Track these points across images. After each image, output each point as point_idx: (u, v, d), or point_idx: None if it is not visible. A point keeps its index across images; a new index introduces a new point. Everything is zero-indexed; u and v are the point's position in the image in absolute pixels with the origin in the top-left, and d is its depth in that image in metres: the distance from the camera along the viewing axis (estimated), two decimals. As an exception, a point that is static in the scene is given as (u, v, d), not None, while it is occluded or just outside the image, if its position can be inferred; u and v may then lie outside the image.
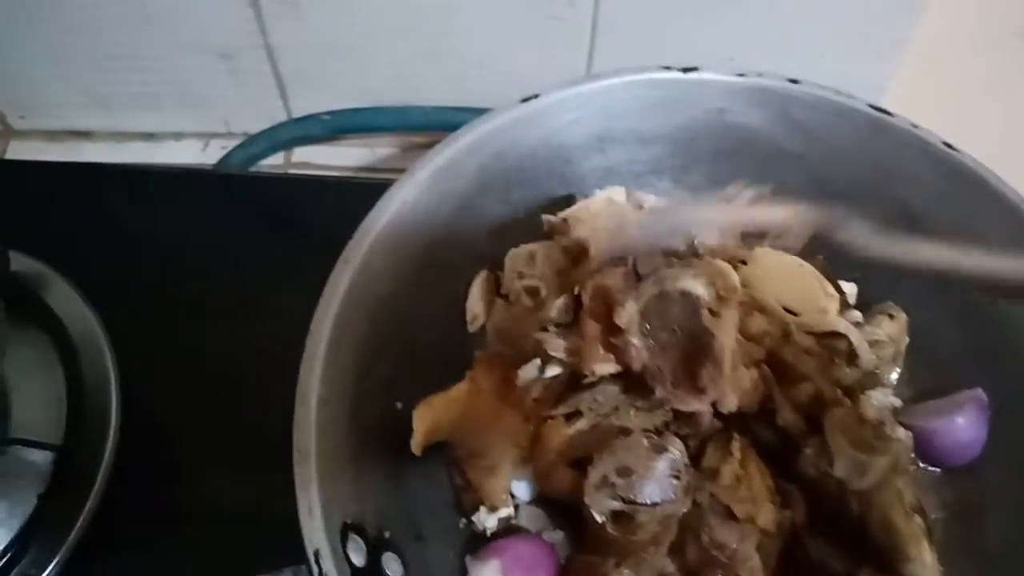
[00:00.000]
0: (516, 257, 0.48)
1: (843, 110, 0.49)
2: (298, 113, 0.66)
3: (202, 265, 0.57)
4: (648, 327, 0.38)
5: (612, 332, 0.38)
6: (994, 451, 0.44)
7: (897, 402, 0.46)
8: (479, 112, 0.48)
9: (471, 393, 0.42)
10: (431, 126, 0.64)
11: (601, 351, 0.39)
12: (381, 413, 0.42)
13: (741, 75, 0.49)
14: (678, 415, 0.39)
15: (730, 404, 0.38)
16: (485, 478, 0.41)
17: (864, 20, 0.59)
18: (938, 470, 0.46)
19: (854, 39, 0.60)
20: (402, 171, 0.45)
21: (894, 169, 0.48)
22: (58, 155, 0.68)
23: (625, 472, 0.37)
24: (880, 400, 0.42)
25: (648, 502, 0.36)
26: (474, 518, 0.42)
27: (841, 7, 0.58)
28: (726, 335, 0.37)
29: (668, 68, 0.49)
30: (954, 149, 0.47)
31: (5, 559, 0.43)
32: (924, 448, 0.45)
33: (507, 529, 0.43)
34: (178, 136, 0.69)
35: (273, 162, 0.67)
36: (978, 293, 0.46)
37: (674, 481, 0.37)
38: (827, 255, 0.47)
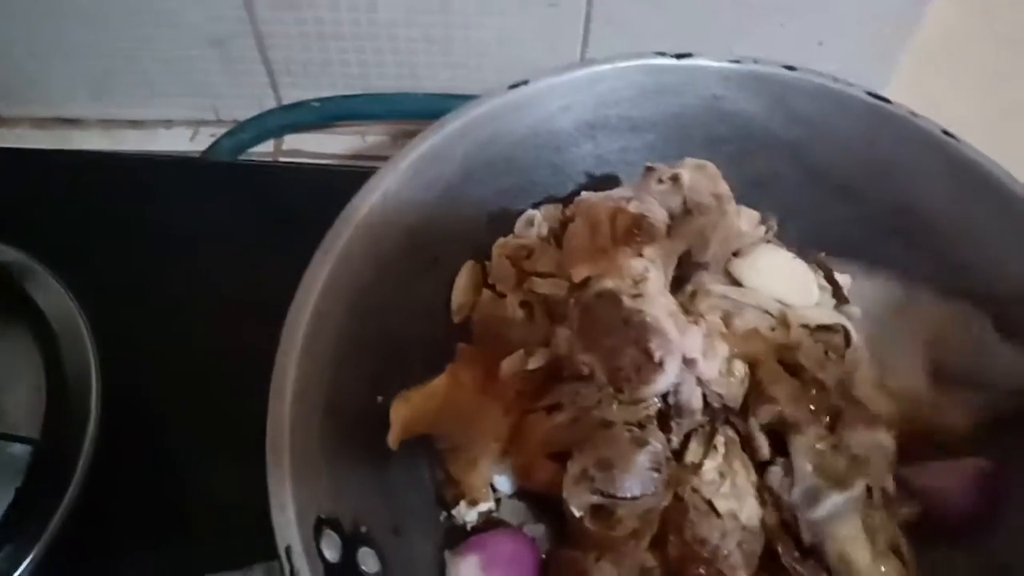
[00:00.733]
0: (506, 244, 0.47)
1: (841, 98, 0.48)
2: (288, 100, 0.66)
3: (189, 255, 0.56)
4: (590, 340, 0.37)
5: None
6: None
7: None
8: (472, 100, 0.47)
9: (451, 386, 0.41)
10: (423, 114, 0.64)
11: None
12: (361, 407, 0.41)
13: (736, 61, 0.48)
14: (664, 412, 0.38)
15: (694, 350, 0.37)
16: (465, 472, 0.40)
17: (865, 15, 0.58)
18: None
19: (854, 34, 0.59)
20: (393, 159, 0.44)
21: (892, 158, 0.47)
22: (46, 143, 0.67)
23: (605, 466, 0.36)
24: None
25: (628, 496, 0.35)
26: (454, 512, 0.41)
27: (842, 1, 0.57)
28: (650, 305, 0.36)
29: (662, 54, 0.48)
30: (954, 138, 0.46)
31: (-19, 553, 0.42)
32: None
33: (488, 523, 0.42)
34: (167, 124, 0.68)
35: (263, 150, 0.67)
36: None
37: (655, 475, 0.36)
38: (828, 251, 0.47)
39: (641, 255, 0.38)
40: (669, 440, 0.38)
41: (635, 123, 0.50)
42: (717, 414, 0.40)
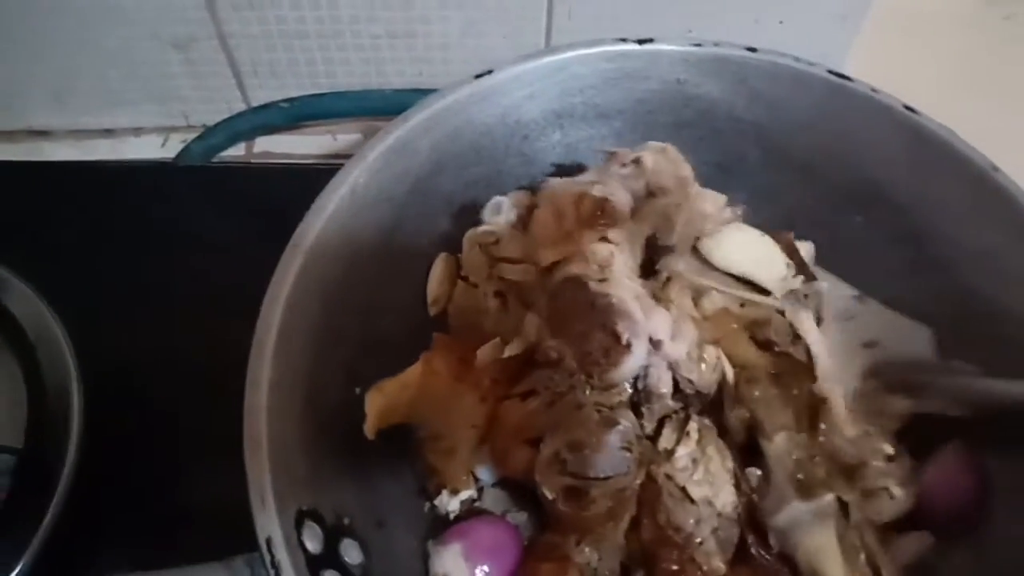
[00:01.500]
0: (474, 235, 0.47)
1: (802, 77, 0.48)
2: (257, 103, 0.65)
3: (165, 260, 0.56)
4: (560, 326, 0.38)
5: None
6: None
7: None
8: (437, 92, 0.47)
9: (426, 375, 0.41)
10: (393, 109, 0.63)
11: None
12: (339, 399, 0.41)
13: (697, 45, 0.49)
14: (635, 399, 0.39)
15: (661, 331, 0.38)
16: (445, 461, 0.40)
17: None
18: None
19: (813, 11, 0.59)
20: (365, 157, 0.44)
21: (855, 135, 0.48)
22: (16, 155, 0.67)
23: (576, 447, 0.36)
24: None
25: (600, 476, 0.35)
26: (436, 502, 0.41)
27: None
28: (616, 287, 0.37)
29: (623, 40, 0.49)
30: (915, 112, 0.46)
31: (-34, 567, 0.42)
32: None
33: (471, 512, 0.42)
34: (137, 132, 0.68)
35: (235, 153, 0.67)
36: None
37: (626, 454, 0.36)
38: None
39: (606, 239, 0.39)
40: (642, 425, 0.39)
41: (601, 110, 0.51)
42: (691, 400, 0.40)
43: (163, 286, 0.55)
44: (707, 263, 0.44)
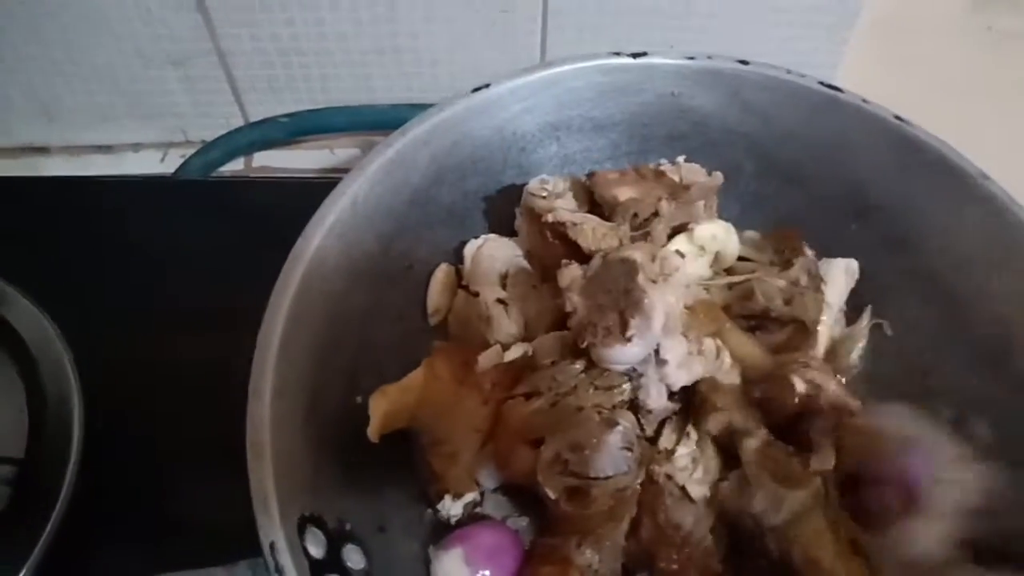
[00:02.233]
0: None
1: (793, 89, 0.49)
2: (255, 118, 0.66)
3: (164, 274, 0.56)
4: (591, 290, 0.39)
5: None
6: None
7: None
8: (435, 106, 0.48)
9: (428, 379, 0.42)
10: (390, 123, 0.63)
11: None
12: (341, 407, 0.41)
13: (691, 58, 0.49)
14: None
15: (671, 355, 0.39)
16: (448, 465, 0.41)
17: (812, 4, 0.59)
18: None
19: (803, 17, 0.60)
20: (363, 171, 0.45)
21: (847, 146, 0.49)
22: (17, 171, 0.67)
23: (577, 447, 0.36)
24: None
25: (601, 475, 0.36)
26: (439, 507, 0.41)
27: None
28: (659, 295, 0.38)
29: (618, 54, 0.49)
30: (906, 122, 0.47)
31: (-33, 577, 0.42)
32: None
33: (472, 518, 0.42)
34: (136, 147, 0.69)
35: (234, 168, 0.67)
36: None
37: (627, 454, 0.36)
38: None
39: (680, 252, 0.41)
40: (642, 427, 0.39)
41: (597, 122, 0.52)
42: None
43: (163, 299, 0.55)
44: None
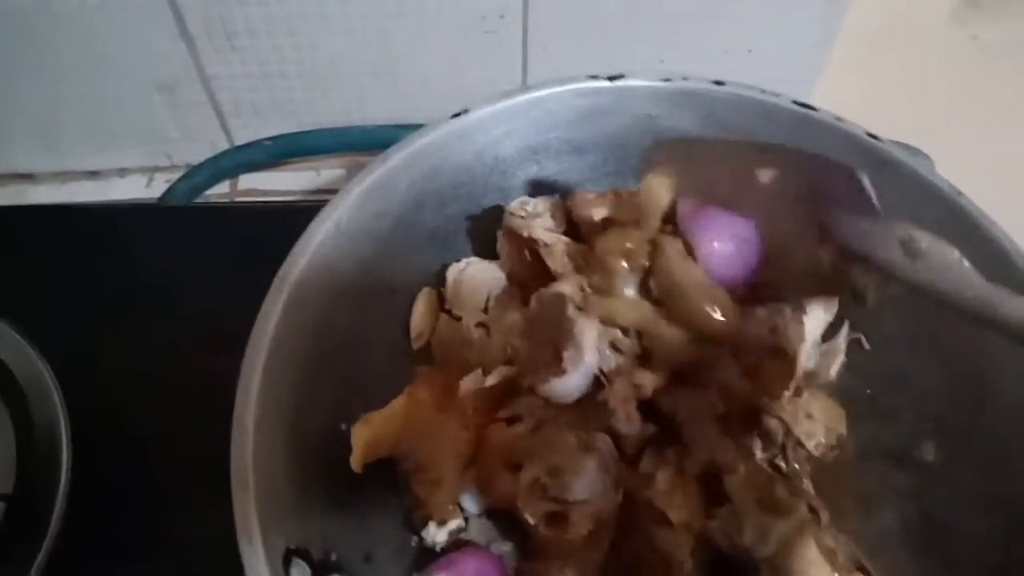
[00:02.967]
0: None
1: (767, 108, 0.50)
2: (240, 141, 0.67)
3: (151, 300, 0.57)
4: (531, 331, 0.40)
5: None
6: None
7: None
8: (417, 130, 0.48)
9: (410, 406, 0.42)
10: (375, 144, 0.65)
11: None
12: (325, 435, 0.42)
13: (666, 80, 0.50)
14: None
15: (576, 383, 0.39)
16: (431, 492, 0.41)
17: (788, 22, 0.60)
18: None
19: (780, 35, 0.61)
20: (349, 192, 0.45)
21: (822, 164, 0.49)
22: (2, 199, 0.67)
23: (555, 472, 0.37)
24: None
25: (579, 499, 0.36)
26: (424, 534, 0.42)
27: (766, 5, 0.59)
28: (587, 323, 0.38)
29: (595, 77, 0.50)
30: (878, 139, 0.48)
31: (-43, 615, 0.42)
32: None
33: (457, 544, 0.43)
34: (122, 172, 0.69)
35: (219, 191, 0.68)
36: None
37: (604, 476, 0.37)
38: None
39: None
40: (621, 450, 0.39)
41: (575, 145, 0.52)
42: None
43: (150, 326, 0.55)
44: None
